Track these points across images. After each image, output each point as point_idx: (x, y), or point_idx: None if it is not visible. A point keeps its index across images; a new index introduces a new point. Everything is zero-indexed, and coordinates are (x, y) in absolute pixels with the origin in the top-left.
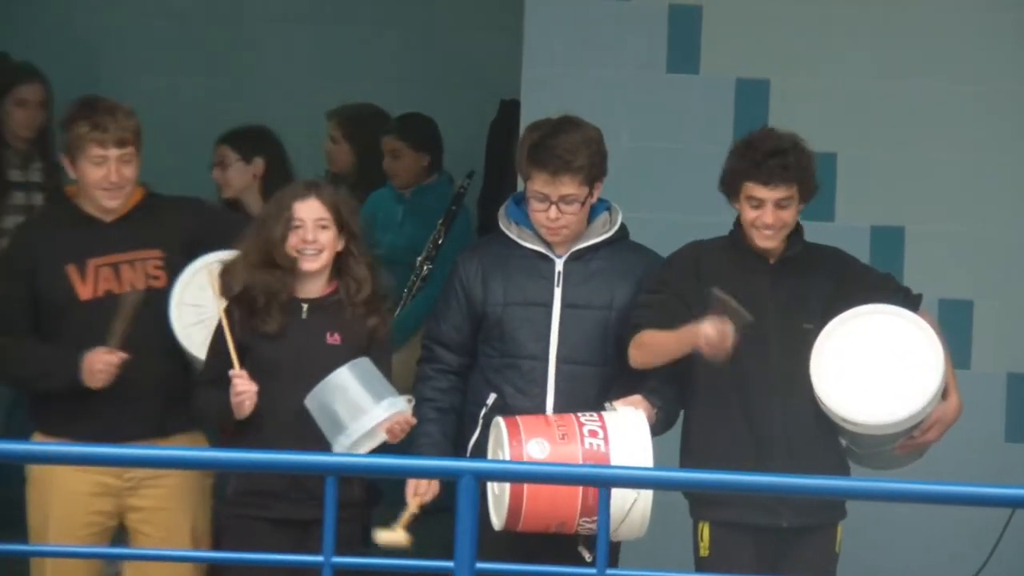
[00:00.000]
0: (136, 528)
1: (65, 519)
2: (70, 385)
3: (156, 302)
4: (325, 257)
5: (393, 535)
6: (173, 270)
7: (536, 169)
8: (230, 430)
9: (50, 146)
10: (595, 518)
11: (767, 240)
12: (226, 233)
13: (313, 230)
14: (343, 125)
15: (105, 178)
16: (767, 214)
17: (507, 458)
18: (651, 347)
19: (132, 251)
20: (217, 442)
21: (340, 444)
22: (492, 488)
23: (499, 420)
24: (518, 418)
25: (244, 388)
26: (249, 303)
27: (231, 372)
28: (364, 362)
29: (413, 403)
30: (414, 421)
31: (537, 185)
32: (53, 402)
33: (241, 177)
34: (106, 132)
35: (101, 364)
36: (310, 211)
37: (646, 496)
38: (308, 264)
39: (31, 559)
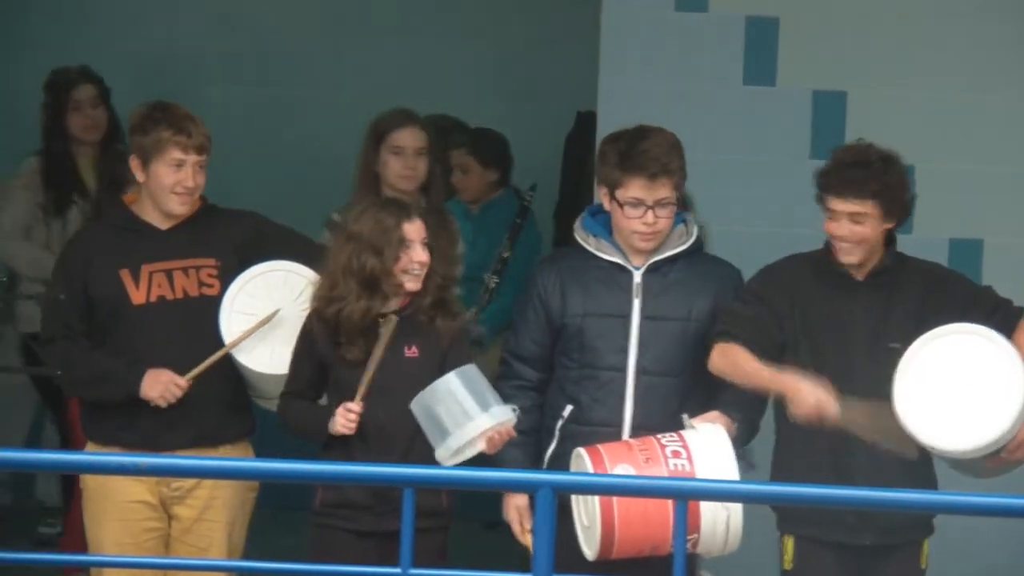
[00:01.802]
0: (177, 538)
1: (121, 529)
2: (125, 395)
3: (208, 310)
4: (424, 275)
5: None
6: (227, 279)
7: (632, 175)
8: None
9: (436, 199)
10: (689, 538)
11: (845, 254)
12: (279, 245)
13: (422, 251)
14: None
15: (181, 183)
16: (840, 227)
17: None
18: (740, 369)
19: (187, 259)
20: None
21: (445, 448)
22: (580, 519)
23: (581, 451)
24: (599, 446)
25: (349, 422)
26: (333, 324)
27: (349, 405)
28: (471, 369)
29: (518, 412)
30: (513, 433)
31: (633, 191)
32: (104, 412)
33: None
34: (189, 138)
35: (163, 385)
36: (418, 232)
37: (737, 511)
38: (414, 284)
39: (91, 570)
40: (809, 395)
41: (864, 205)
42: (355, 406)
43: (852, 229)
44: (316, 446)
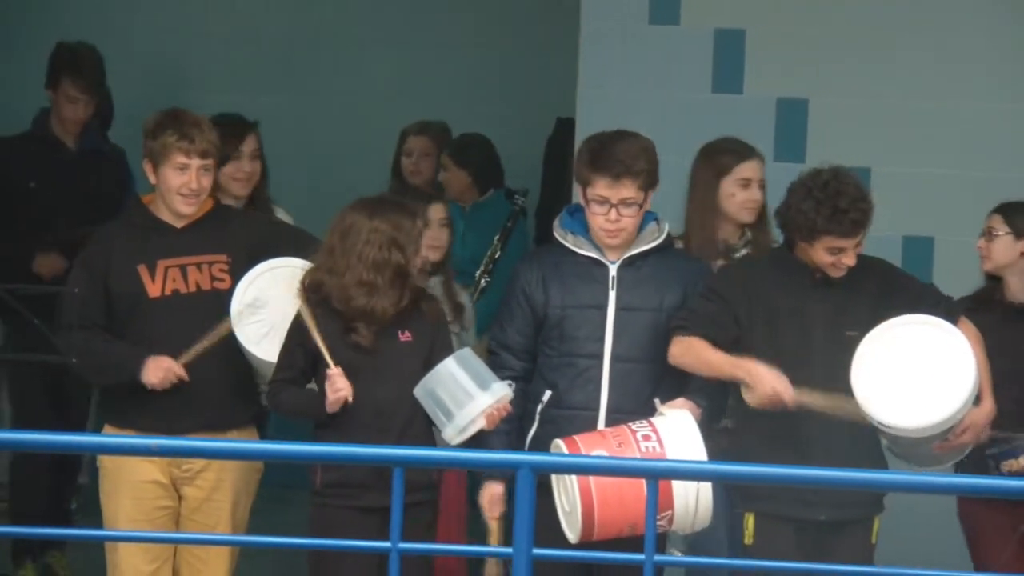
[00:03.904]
0: (186, 516)
1: (135, 506)
2: (129, 379)
3: (219, 302)
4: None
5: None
6: (237, 274)
7: (598, 174)
8: (320, 424)
9: (762, 229)
10: (664, 515)
11: (840, 272)
12: (287, 242)
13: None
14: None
15: (185, 185)
16: (849, 257)
17: (573, 480)
18: (699, 359)
19: (200, 255)
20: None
21: (453, 427)
22: (562, 505)
23: (559, 442)
24: (575, 437)
25: (343, 386)
26: (343, 317)
27: (329, 371)
28: (467, 352)
29: (513, 387)
30: (510, 408)
31: (598, 189)
32: (121, 397)
33: (1008, 251)
34: (192, 143)
35: (163, 371)
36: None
37: (706, 488)
38: (422, 281)
39: (105, 543)
40: (767, 380)
41: (865, 230)
42: (335, 370)
43: (853, 257)
44: (311, 427)
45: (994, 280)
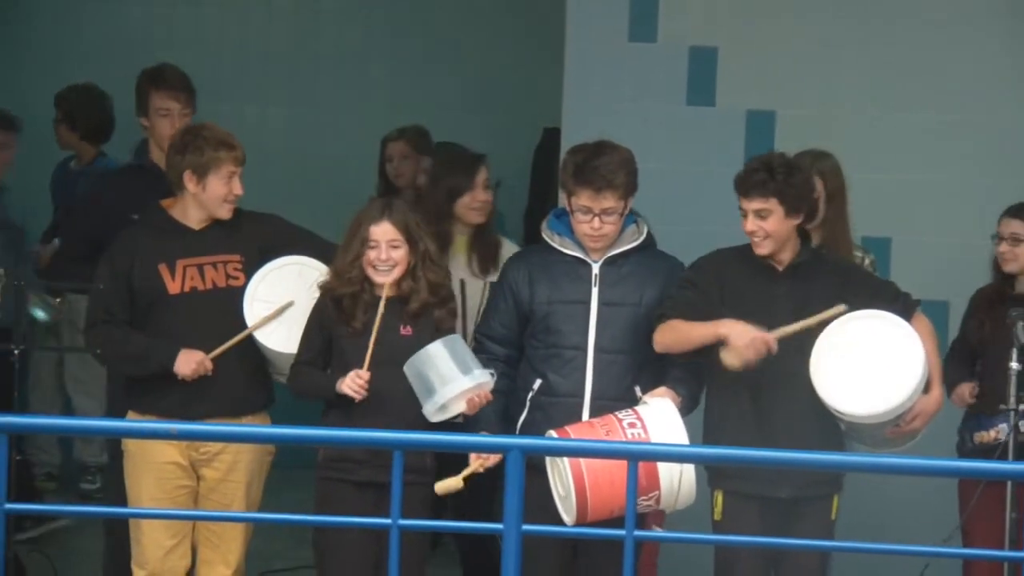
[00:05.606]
0: (204, 495)
1: (156, 486)
2: (160, 370)
3: (233, 298)
4: (397, 272)
5: (450, 482)
6: (250, 272)
7: (581, 187)
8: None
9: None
10: (651, 495)
11: (757, 247)
12: (296, 242)
13: (386, 250)
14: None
15: (232, 191)
16: (748, 222)
17: (567, 467)
18: (681, 334)
19: (216, 254)
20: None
21: (432, 404)
22: (557, 491)
23: (552, 433)
24: (567, 427)
25: (361, 388)
26: (338, 302)
27: (360, 372)
28: (455, 338)
29: (495, 377)
30: (491, 397)
31: (582, 200)
32: (143, 385)
33: None
34: (237, 153)
35: (195, 364)
36: (383, 233)
37: (688, 469)
38: (382, 278)
39: (129, 520)
40: (746, 331)
41: (767, 202)
42: (365, 373)
43: (758, 224)
44: (319, 406)
45: (1005, 277)
